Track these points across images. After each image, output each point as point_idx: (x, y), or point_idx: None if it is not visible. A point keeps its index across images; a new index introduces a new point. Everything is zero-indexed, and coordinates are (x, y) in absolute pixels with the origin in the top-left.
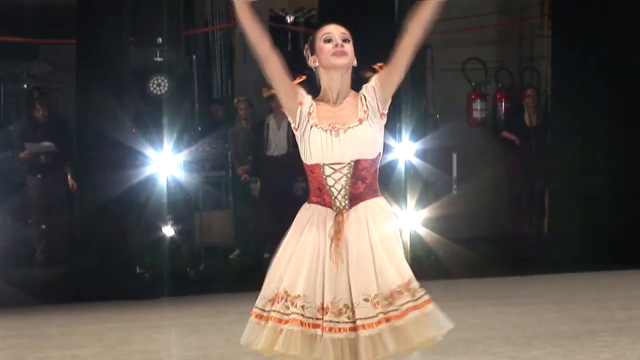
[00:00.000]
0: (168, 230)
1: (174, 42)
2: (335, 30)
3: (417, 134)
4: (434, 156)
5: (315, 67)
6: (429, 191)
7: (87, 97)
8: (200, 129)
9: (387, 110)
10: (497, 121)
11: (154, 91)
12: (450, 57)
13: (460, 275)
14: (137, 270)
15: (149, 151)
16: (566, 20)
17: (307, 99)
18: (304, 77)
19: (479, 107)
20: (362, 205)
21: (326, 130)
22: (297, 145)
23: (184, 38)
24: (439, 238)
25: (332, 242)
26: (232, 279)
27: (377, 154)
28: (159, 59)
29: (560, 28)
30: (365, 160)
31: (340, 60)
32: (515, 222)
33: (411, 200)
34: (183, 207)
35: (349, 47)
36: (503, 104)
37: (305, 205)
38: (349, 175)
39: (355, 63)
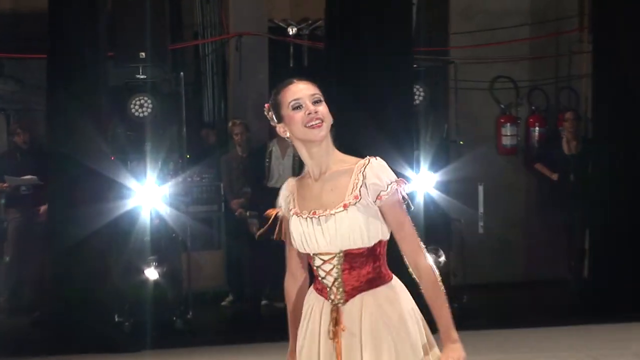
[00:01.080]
0: (151, 273)
1: (158, 57)
2: (303, 93)
3: (438, 163)
4: (458, 189)
5: (286, 137)
6: (453, 229)
7: (59, 120)
8: (188, 156)
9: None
10: (530, 149)
11: (136, 113)
12: (476, 74)
13: (489, 325)
14: (116, 319)
15: (129, 182)
16: (609, 34)
17: (284, 202)
18: (275, 212)
19: (509, 133)
20: (358, 298)
21: (307, 219)
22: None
23: (170, 53)
24: (464, 283)
25: (332, 339)
26: (225, 329)
27: (375, 241)
28: (142, 77)
29: (602, 43)
30: (358, 249)
31: (318, 133)
32: (550, 265)
33: (429, 240)
34: (169, 246)
35: (323, 110)
36: (537, 129)
37: (309, 291)
38: (339, 266)
39: (331, 120)
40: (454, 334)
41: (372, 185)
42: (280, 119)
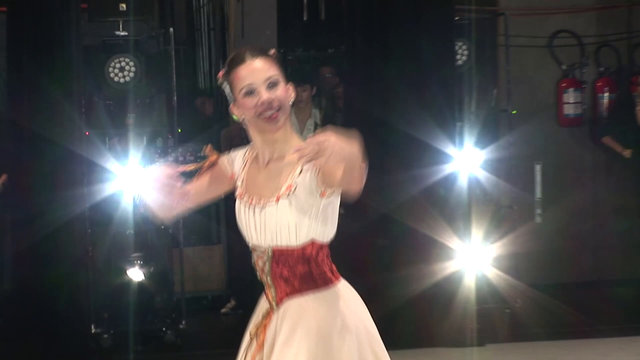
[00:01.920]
0: (135, 274)
1: (143, 9)
2: (256, 76)
3: (485, 138)
4: (509, 169)
5: (240, 120)
6: (504, 217)
7: (21, 86)
8: (180, 130)
9: (333, 191)
10: (597, 119)
11: (116, 78)
12: (532, 29)
13: (545, 336)
14: (93, 330)
15: (107, 162)
16: None
17: (236, 160)
18: (214, 158)
19: (572, 100)
20: (285, 304)
21: (246, 205)
22: None
23: (157, 4)
24: (517, 284)
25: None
26: (224, 340)
27: (305, 241)
28: (122, 34)
29: None
30: (287, 248)
31: (273, 125)
32: (622, 262)
33: (477, 230)
34: (156, 241)
35: (280, 95)
36: (606, 95)
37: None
38: (268, 264)
39: (292, 98)
40: None
41: (308, 173)
42: (233, 99)
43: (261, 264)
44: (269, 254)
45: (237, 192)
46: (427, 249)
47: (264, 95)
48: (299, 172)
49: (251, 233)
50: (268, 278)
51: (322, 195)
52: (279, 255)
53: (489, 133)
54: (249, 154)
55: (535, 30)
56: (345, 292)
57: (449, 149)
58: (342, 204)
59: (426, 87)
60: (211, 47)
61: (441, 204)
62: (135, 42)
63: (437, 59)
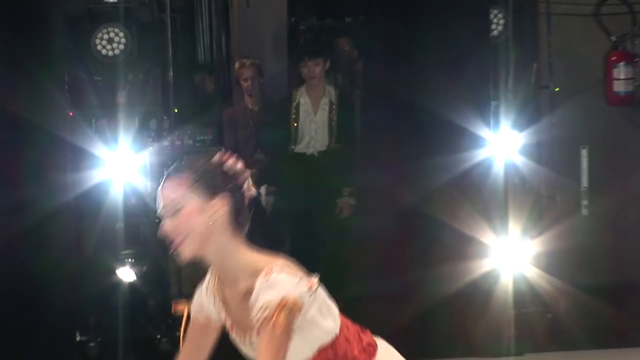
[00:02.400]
0: (126, 274)
1: None
2: (160, 203)
3: (524, 119)
4: (551, 154)
5: None
6: (544, 209)
7: None
8: (176, 110)
9: None
10: None
11: (103, 51)
12: None
13: (592, 344)
14: (78, 337)
15: (95, 146)
16: None
17: (204, 298)
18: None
19: (622, 75)
20: None
21: (241, 343)
22: (345, 138)
23: None
24: (560, 285)
25: None
26: (229, 350)
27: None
28: (111, 0)
29: None
30: None
31: (179, 255)
32: None
33: (515, 224)
34: (150, 236)
35: (176, 224)
36: None
37: None
38: None
39: (215, 215)
40: None
41: (254, 309)
42: None
43: None
44: None
45: (227, 325)
46: (457, 246)
47: (163, 224)
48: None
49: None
50: None
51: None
52: None
53: (528, 113)
54: (211, 279)
55: None
56: None
57: (483, 131)
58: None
59: (457, 62)
60: (212, 15)
61: (474, 194)
62: (125, 10)
63: (469, 30)
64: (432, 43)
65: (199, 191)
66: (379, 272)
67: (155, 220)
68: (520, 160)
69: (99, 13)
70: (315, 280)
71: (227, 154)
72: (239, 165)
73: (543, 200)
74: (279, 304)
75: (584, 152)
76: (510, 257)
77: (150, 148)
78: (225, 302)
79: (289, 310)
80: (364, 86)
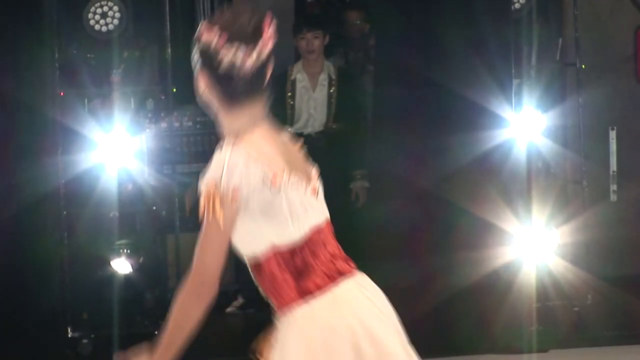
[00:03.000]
0: (121, 265)
1: None
2: None
3: (549, 99)
4: (577, 136)
5: None
6: (570, 195)
7: None
8: (175, 90)
9: None
10: None
11: (96, 26)
12: None
13: (620, 340)
14: (70, 334)
15: (88, 129)
16: None
17: None
18: None
19: None
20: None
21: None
22: (345, 117)
23: None
24: (586, 277)
25: None
26: (230, 346)
27: (248, 253)
28: None
29: None
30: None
31: None
32: None
33: (539, 211)
34: (147, 225)
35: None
36: None
37: None
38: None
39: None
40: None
41: None
42: None
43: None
44: None
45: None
46: (476, 233)
47: None
48: None
49: None
50: None
51: None
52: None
53: (552, 92)
54: None
55: None
56: (303, 319)
57: (505, 111)
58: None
59: (476, 37)
60: None
61: (495, 179)
62: None
63: (489, 3)
64: (449, 16)
65: (197, 63)
66: (394, 260)
67: (152, 208)
68: (544, 143)
69: None
70: (281, 177)
71: (211, 29)
72: (217, 41)
73: (569, 185)
74: (205, 189)
75: (613, 134)
76: (533, 246)
77: (147, 130)
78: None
79: (209, 198)
80: (377, 62)
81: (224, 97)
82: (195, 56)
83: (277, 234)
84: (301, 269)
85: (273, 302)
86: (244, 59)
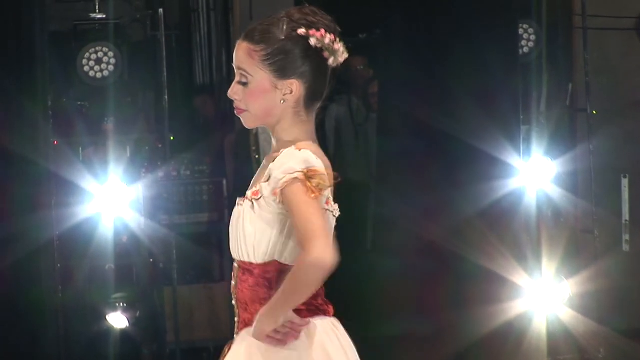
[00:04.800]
0: (117, 319)
1: None
2: (235, 60)
3: (558, 145)
4: (589, 184)
5: None
6: (581, 245)
7: None
8: (172, 138)
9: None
10: None
11: (91, 72)
12: (616, 6)
13: None
14: None
15: (82, 179)
16: None
17: None
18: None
19: None
20: (242, 334)
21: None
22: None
23: None
24: (599, 329)
25: None
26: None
27: (265, 259)
28: (99, 16)
29: None
30: (247, 263)
31: (242, 120)
32: None
33: (549, 262)
34: (144, 277)
35: (244, 94)
36: None
37: None
38: (235, 280)
39: (281, 98)
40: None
41: (272, 178)
42: None
43: (233, 282)
44: (236, 269)
45: None
46: (483, 285)
47: (234, 84)
48: (266, 176)
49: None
50: (235, 299)
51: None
52: (244, 272)
53: (562, 139)
54: None
55: (620, 8)
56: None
57: (513, 159)
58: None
59: (483, 81)
60: (211, 32)
61: (503, 228)
62: (115, 27)
63: (496, 47)
64: (455, 61)
65: (273, 68)
66: (394, 311)
67: (149, 260)
68: (554, 191)
69: (85, 30)
70: (332, 200)
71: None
72: (329, 37)
73: (579, 235)
74: (308, 171)
75: (625, 182)
76: (543, 298)
77: (143, 180)
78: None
79: (318, 181)
80: (381, 109)
81: (311, 95)
82: (292, 60)
83: (296, 249)
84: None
85: (247, 313)
86: (342, 55)
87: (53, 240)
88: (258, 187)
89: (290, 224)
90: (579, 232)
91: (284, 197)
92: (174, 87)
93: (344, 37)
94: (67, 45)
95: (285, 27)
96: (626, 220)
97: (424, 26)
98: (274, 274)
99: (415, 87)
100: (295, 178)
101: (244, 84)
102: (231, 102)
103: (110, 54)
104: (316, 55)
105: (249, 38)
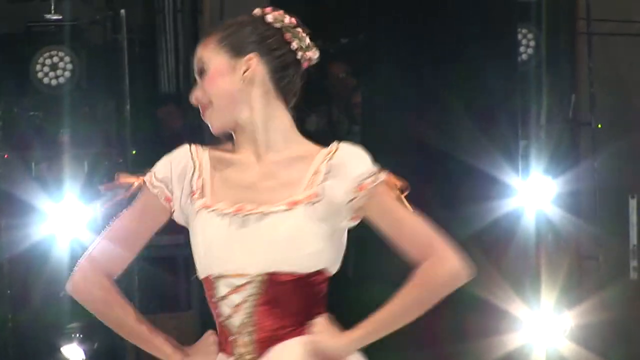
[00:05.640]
0: (73, 352)
1: None
2: (196, 56)
3: (560, 163)
4: (593, 205)
5: None
6: (584, 272)
7: None
8: (134, 152)
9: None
10: None
11: (45, 79)
12: (624, 10)
13: None
14: None
15: (35, 197)
16: None
17: (174, 171)
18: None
19: None
20: (277, 351)
21: (227, 216)
22: None
23: None
24: None
25: None
26: None
27: (315, 268)
28: (55, 17)
29: None
30: (287, 274)
31: (210, 127)
32: None
33: (548, 291)
34: None
35: (206, 87)
36: None
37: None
38: (254, 299)
39: (243, 76)
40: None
41: (345, 175)
42: None
43: (238, 300)
44: (259, 282)
45: (199, 204)
46: (479, 317)
47: (195, 90)
48: (322, 177)
49: (232, 253)
50: (245, 319)
51: (352, 219)
52: (273, 286)
53: (564, 155)
54: (207, 153)
55: (627, 11)
56: None
57: (510, 177)
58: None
59: (478, 92)
60: (178, 35)
61: (499, 254)
62: (72, 29)
63: (493, 53)
64: (447, 67)
65: (227, 48)
66: (386, 344)
67: None
68: (554, 213)
69: (40, 33)
70: None
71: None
72: (288, 18)
73: (582, 261)
74: (388, 179)
75: (633, 203)
76: (543, 330)
77: (103, 197)
78: (218, 179)
79: (398, 190)
80: (364, 121)
81: (277, 87)
82: (246, 35)
83: (338, 256)
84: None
85: (267, 332)
86: (310, 48)
87: (2, 264)
88: (313, 190)
89: (340, 234)
90: (582, 258)
91: (371, 199)
92: (137, 96)
93: (324, 41)
94: (19, 49)
95: (241, 17)
96: (634, 245)
97: (412, 30)
98: (321, 284)
99: (403, 97)
100: (382, 179)
101: (202, 76)
102: (199, 111)
103: (67, 58)
104: (277, 34)
105: (206, 35)
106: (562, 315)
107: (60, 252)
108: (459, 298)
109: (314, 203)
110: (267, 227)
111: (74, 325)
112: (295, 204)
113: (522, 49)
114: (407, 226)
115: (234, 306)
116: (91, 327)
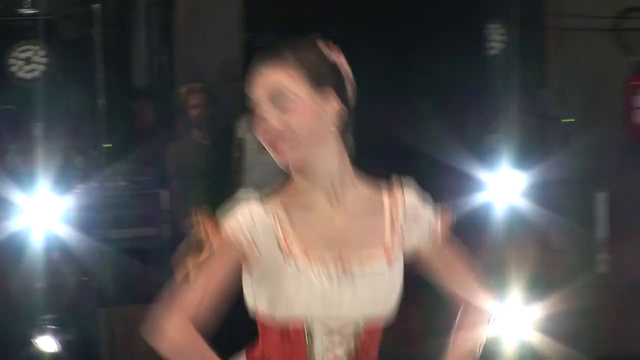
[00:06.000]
0: (46, 344)
1: None
2: (259, 90)
3: (529, 156)
4: (562, 198)
5: None
6: (552, 264)
7: None
8: (108, 145)
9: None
10: None
11: (19, 73)
12: (592, 6)
13: None
14: None
15: (9, 190)
16: None
17: (257, 221)
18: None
19: None
20: None
21: (332, 272)
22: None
23: None
24: (571, 353)
25: None
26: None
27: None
28: (29, 11)
29: None
30: (380, 318)
31: (279, 159)
32: None
33: (516, 283)
34: (76, 297)
35: (288, 120)
36: None
37: None
38: (352, 343)
39: (332, 119)
40: None
41: (419, 219)
42: None
43: (338, 349)
44: (358, 328)
45: (290, 259)
46: (446, 310)
47: (265, 116)
48: (401, 219)
49: (331, 307)
50: None
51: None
52: (370, 329)
53: (533, 149)
54: (279, 201)
55: (597, 7)
56: None
57: (479, 171)
58: None
59: (446, 87)
60: (152, 29)
61: (469, 246)
62: (46, 23)
63: (462, 47)
64: (415, 60)
65: (306, 76)
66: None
67: (82, 279)
68: (524, 206)
69: (13, 27)
70: None
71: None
72: (341, 57)
73: (551, 254)
74: (446, 218)
75: (602, 197)
76: (511, 322)
77: (76, 191)
78: (301, 222)
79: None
80: None
81: (342, 125)
82: (319, 65)
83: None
84: None
85: None
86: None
87: None
88: (398, 237)
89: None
90: (550, 250)
91: (440, 246)
92: (111, 90)
93: (288, 36)
94: None
95: (302, 40)
96: (602, 238)
97: (382, 26)
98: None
99: (372, 93)
100: (445, 222)
101: (278, 103)
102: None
103: (41, 52)
104: (341, 72)
105: (274, 56)
106: (530, 307)
107: (34, 244)
108: (427, 291)
109: (397, 255)
110: (368, 282)
111: (47, 317)
112: (391, 260)
113: (492, 43)
114: (459, 274)
115: (334, 355)
116: (65, 318)
